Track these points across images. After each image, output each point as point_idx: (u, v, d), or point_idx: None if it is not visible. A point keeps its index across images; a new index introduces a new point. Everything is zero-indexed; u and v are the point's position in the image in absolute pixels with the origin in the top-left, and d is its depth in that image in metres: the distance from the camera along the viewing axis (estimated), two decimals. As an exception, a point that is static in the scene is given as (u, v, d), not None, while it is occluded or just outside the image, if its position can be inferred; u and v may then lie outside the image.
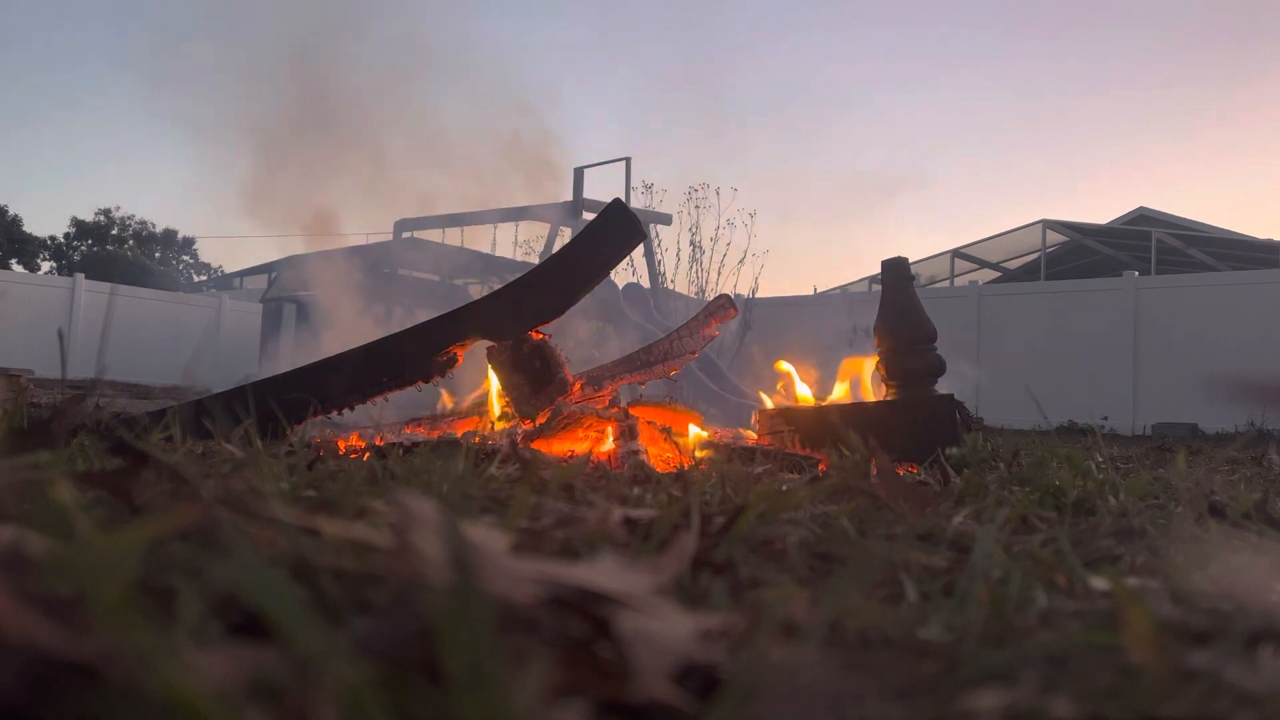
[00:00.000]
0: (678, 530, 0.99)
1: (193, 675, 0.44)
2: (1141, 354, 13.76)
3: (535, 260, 13.20)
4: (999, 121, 67.93)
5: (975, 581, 0.85)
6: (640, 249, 12.26)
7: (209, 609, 0.57)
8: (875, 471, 1.80)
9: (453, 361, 3.10)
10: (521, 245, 15.13)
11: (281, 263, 19.28)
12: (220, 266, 44.75)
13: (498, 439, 2.85)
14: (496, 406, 3.33)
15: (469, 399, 3.63)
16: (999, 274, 21.51)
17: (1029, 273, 20.65)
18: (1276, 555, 1.38)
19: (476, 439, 2.79)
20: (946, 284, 19.92)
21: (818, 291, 18.80)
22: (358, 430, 3.12)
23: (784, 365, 3.72)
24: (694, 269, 14.63)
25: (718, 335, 3.96)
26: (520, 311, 3.15)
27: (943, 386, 3.26)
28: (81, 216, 48.23)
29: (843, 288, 19.85)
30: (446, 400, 3.77)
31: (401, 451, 2.20)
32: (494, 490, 1.46)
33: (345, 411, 3.12)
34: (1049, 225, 19.51)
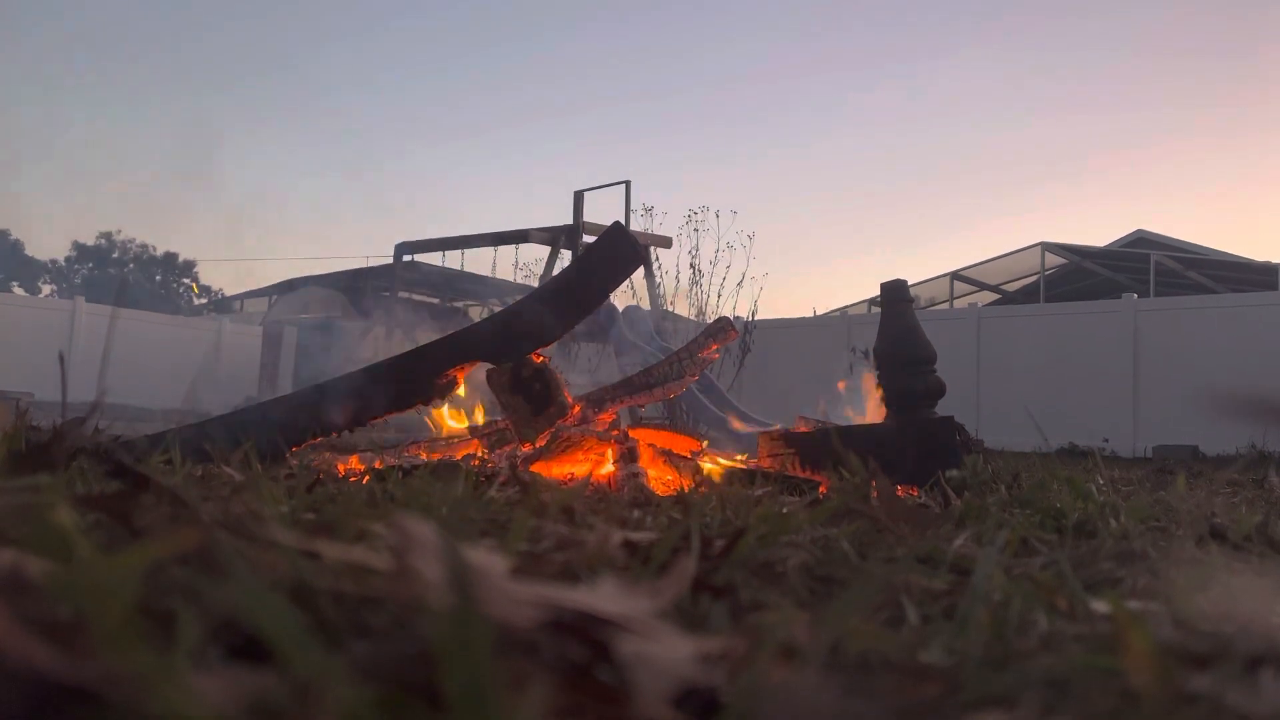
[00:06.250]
0: (678, 553, 0.98)
1: (193, 698, 0.44)
2: (1141, 376, 13.75)
3: (535, 283, 13.23)
4: (997, 143, 68.24)
5: (976, 604, 0.85)
6: (640, 272, 12.29)
7: (209, 632, 0.57)
8: (875, 494, 1.80)
9: (453, 384, 3.10)
10: (521, 268, 15.17)
11: (281, 286, 19.33)
12: (220, 289, 44.90)
13: (497, 461, 2.84)
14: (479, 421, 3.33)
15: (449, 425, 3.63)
16: (998, 296, 21.54)
17: (1028, 295, 20.68)
18: (1278, 578, 1.38)
19: (475, 461, 2.79)
20: (946, 306, 19.94)
21: (817, 314, 18.82)
22: (357, 453, 3.11)
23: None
24: (694, 291, 14.63)
25: (718, 358, 3.96)
26: (521, 334, 3.15)
27: (943, 409, 3.26)
28: (82, 240, 48.43)
29: (842, 310, 19.87)
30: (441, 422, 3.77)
31: (401, 474, 2.20)
32: (494, 513, 1.45)
33: (346, 434, 3.12)
34: (1048, 248, 19.56)
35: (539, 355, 3.18)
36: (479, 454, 3.16)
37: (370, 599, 0.69)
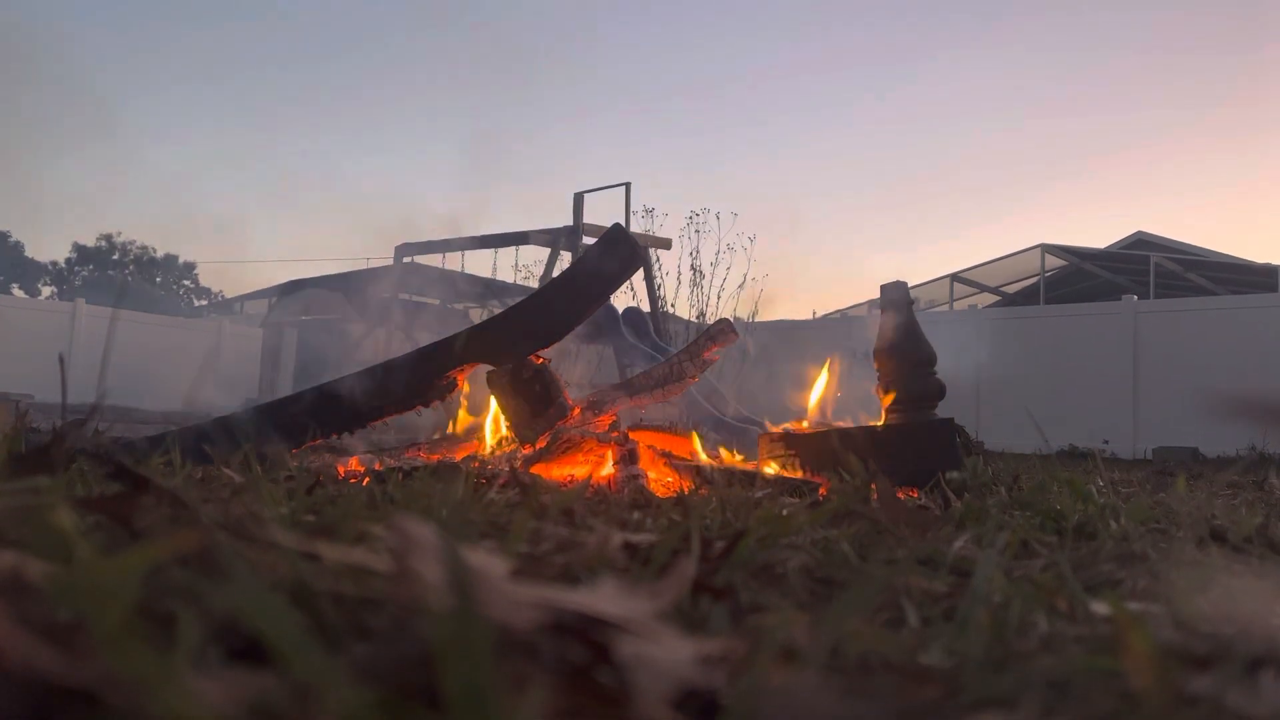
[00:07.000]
0: (678, 555, 0.98)
1: (193, 701, 0.44)
2: (1141, 378, 13.75)
3: (535, 285, 13.23)
4: (997, 143, 68.24)
5: (976, 606, 0.85)
6: (640, 273, 12.29)
7: (209, 634, 0.57)
8: (876, 496, 1.80)
9: (453, 385, 3.11)
10: (521, 270, 15.17)
11: (282, 288, 19.34)
12: (221, 291, 44.88)
13: (497, 463, 2.84)
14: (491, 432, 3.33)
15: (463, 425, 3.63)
16: (998, 298, 21.54)
17: (1028, 297, 20.67)
18: (1278, 580, 1.38)
19: (475, 463, 2.79)
20: (946, 308, 19.94)
21: (817, 315, 18.82)
22: (357, 455, 3.11)
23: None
24: (694, 293, 14.65)
25: (718, 359, 3.96)
26: (520, 336, 3.15)
27: (943, 410, 3.26)
28: (83, 241, 48.47)
29: (842, 312, 19.86)
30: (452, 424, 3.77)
31: (401, 476, 2.20)
32: (494, 515, 1.45)
33: (346, 435, 3.12)
34: (1047, 249, 19.56)
35: (539, 357, 3.18)
36: (480, 455, 3.16)
37: (370, 601, 0.69)
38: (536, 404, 3.12)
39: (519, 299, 3.41)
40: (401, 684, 0.53)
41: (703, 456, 3.24)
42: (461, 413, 3.54)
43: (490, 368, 3.18)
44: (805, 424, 3.50)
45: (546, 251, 13.38)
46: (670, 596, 0.76)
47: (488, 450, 3.28)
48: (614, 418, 3.47)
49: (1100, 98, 66.71)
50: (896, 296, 3.34)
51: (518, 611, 0.59)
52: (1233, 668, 0.70)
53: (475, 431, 3.46)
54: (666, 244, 14.04)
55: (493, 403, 3.30)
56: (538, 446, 3.03)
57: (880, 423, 3.29)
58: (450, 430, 3.63)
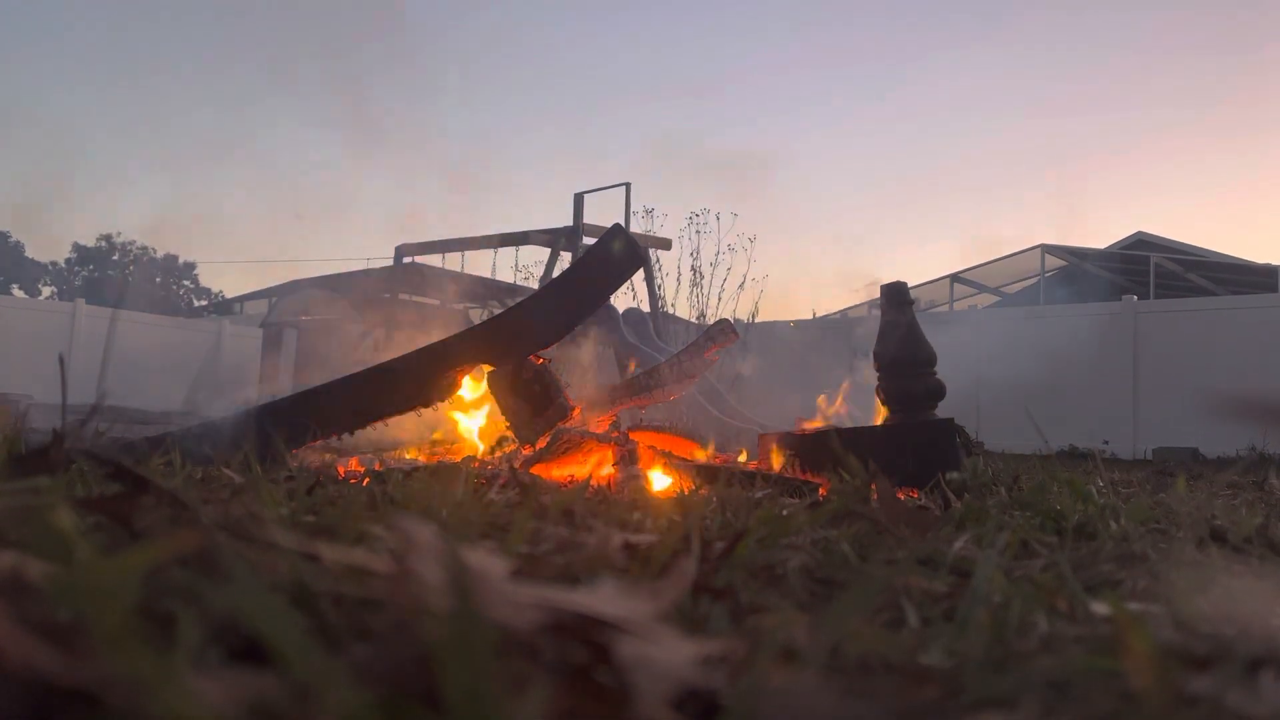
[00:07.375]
0: (678, 555, 0.98)
1: (193, 701, 0.44)
2: (1141, 378, 13.76)
3: (535, 285, 13.22)
4: (997, 143, 68.19)
5: (976, 606, 0.85)
6: (640, 273, 12.28)
7: (209, 635, 0.57)
8: (876, 496, 1.80)
9: (454, 386, 3.10)
10: (521, 270, 15.17)
11: (282, 288, 19.35)
12: (220, 291, 44.88)
13: (497, 464, 2.84)
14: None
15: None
16: (998, 298, 21.54)
17: (1028, 297, 20.67)
18: (1278, 580, 1.38)
19: (475, 464, 2.79)
20: (946, 308, 19.94)
21: (817, 316, 18.81)
22: (357, 455, 3.11)
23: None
24: (694, 293, 14.66)
25: (718, 360, 3.96)
26: (520, 336, 3.15)
27: (943, 410, 3.26)
28: (83, 242, 48.49)
29: (842, 312, 19.86)
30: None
31: (401, 476, 2.20)
32: (494, 515, 1.45)
33: (346, 436, 3.12)
34: (1047, 250, 19.56)
35: (539, 357, 3.18)
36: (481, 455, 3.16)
37: (370, 601, 0.69)
38: (536, 404, 3.12)
39: (519, 299, 3.41)
40: (401, 685, 0.53)
41: (703, 457, 3.24)
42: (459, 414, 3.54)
43: (491, 368, 3.18)
44: (806, 424, 3.50)
45: (546, 252, 13.38)
46: (670, 597, 0.76)
47: (485, 451, 3.29)
48: (614, 418, 3.47)
49: (1100, 98, 66.68)
50: (897, 297, 3.34)
51: (518, 612, 0.59)
52: (1233, 668, 0.70)
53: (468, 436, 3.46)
54: (666, 244, 14.04)
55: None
56: (538, 446, 3.03)
57: (880, 423, 3.29)
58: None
